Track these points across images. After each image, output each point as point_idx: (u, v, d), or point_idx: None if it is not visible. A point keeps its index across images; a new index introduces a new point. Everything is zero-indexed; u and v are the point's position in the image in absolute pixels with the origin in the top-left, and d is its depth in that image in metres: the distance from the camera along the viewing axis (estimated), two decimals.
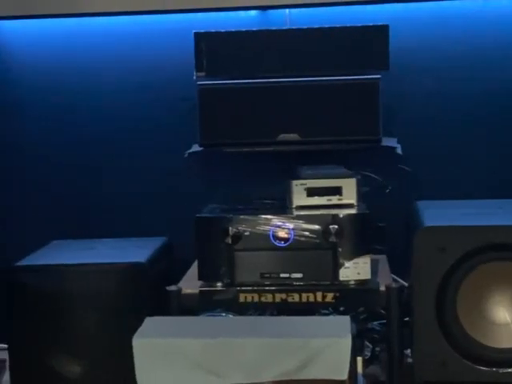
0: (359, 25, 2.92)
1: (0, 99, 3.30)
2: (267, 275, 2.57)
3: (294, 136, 2.91)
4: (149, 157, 3.28)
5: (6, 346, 2.83)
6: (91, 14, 3.17)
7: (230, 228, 2.54)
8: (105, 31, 3.23)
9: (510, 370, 2.42)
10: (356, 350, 2.01)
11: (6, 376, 2.87)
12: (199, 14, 3.17)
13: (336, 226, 2.51)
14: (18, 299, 2.69)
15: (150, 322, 2.15)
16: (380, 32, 2.88)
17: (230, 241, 2.54)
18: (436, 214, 2.66)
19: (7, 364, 2.80)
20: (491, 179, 3.14)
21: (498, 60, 3.11)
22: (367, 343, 2.76)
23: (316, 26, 2.94)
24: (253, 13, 3.20)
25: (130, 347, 2.02)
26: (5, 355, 2.85)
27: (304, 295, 2.54)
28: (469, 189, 3.10)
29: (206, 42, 2.93)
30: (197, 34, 2.94)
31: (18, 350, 2.73)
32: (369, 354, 2.74)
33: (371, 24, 2.91)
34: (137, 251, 2.83)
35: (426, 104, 3.15)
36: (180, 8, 3.13)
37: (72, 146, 3.31)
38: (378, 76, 2.88)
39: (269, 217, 2.55)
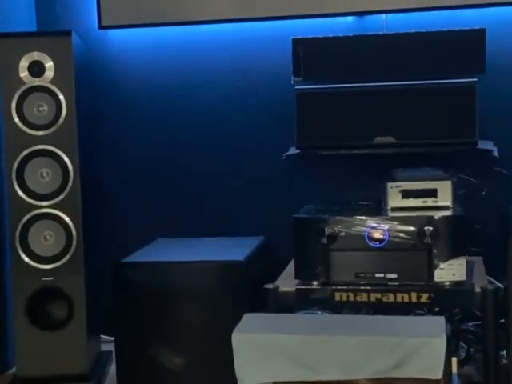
0: (456, 29, 2.87)
1: (108, 103, 3.39)
2: (362, 275, 2.55)
3: (389, 139, 2.88)
4: (248, 159, 3.31)
5: (112, 338, 2.90)
6: (194, 22, 3.24)
7: (326, 228, 2.54)
8: (206, 38, 3.29)
9: None
10: (451, 351, 1.97)
11: (113, 367, 2.94)
12: (297, 21, 3.18)
13: (431, 228, 2.47)
14: (125, 294, 2.75)
15: (248, 318, 2.15)
16: (477, 36, 2.83)
17: (325, 241, 2.54)
18: None
19: (113, 355, 2.86)
20: None
21: None
22: (462, 344, 2.71)
23: (413, 31, 2.91)
24: (350, 19, 3.18)
25: (230, 342, 2.03)
26: (111, 347, 2.91)
27: (399, 295, 2.51)
28: None
29: (303, 48, 2.93)
30: (295, 40, 2.95)
31: (123, 342, 2.79)
32: (464, 354, 2.68)
33: (468, 28, 2.86)
34: (236, 250, 2.86)
35: None
36: (279, 15, 3.15)
37: (175, 149, 3.37)
38: (475, 79, 2.82)
39: (364, 218, 2.53)
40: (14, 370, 3.00)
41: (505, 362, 2.55)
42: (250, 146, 3.29)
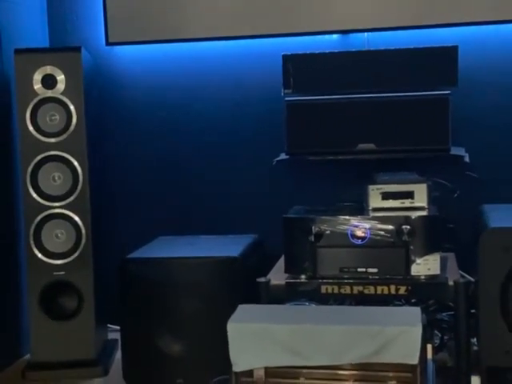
0: (431, 46, 2.89)
1: (114, 113, 3.40)
2: (346, 269, 2.57)
3: (371, 146, 2.90)
4: (242, 164, 3.32)
5: (118, 327, 2.91)
6: (194, 39, 3.24)
7: (313, 227, 2.55)
8: (205, 54, 3.29)
9: None
10: (426, 338, 1.99)
11: (118, 354, 2.95)
12: (287, 38, 3.19)
13: (408, 227, 2.49)
14: (129, 287, 2.76)
15: (242, 309, 2.17)
16: (450, 52, 2.85)
17: (312, 238, 2.56)
18: (500, 216, 2.61)
19: (119, 343, 2.87)
20: None
21: None
22: (437, 332, 2.73)
23: (392, 48, 2.93)
24: (335, 36, 3.20)
25: (225, 330, 2.04)
26: (117, 335, 2.92)
27: (379, 288, 2.53)
28: None
29: (292, 63, 2.95)
30: (285, 56, 2.96)
31: (128, 331, 2.80)
32: (438, 341, 2.70)
33: (442, 45, 2.88)
34: (231, 247, 2.87)
35: (491, 115, 3.10)
36: (270, 33, 3.17)
37: (175, 154, 3.38)
38: (448, 92, 2.85)
39: (347, 217, 2.55)
40: (27, 356, 3.01)
41: (475, 348, 2.57)
42: (244, 152, 3.30)
